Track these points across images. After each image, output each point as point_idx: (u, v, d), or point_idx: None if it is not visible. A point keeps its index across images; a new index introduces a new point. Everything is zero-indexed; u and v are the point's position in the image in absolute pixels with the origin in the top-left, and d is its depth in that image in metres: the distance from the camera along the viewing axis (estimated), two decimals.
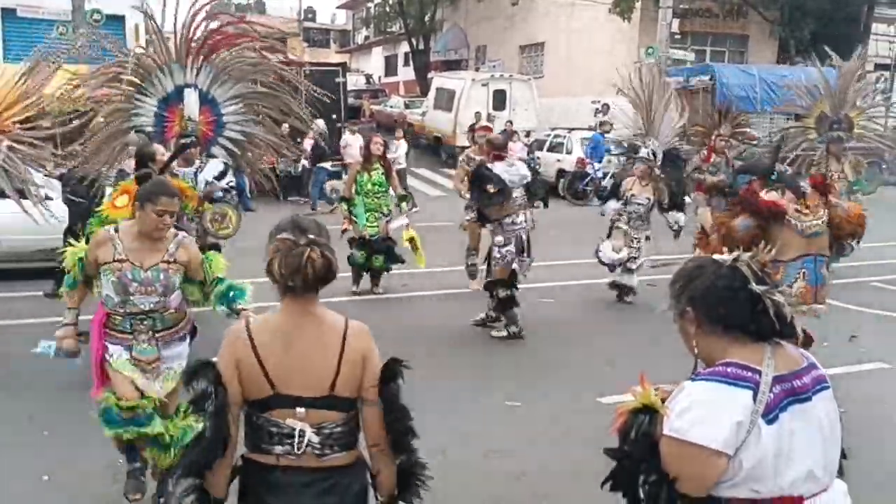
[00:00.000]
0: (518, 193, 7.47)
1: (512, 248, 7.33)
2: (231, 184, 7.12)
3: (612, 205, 9.00)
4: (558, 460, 4.91)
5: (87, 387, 5.29)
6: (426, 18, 35.00)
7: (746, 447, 1.93)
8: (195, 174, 6.81)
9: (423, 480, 2.54)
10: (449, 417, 5.36)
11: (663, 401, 2.08)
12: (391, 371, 2.45)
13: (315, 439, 2.35)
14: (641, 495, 2.09)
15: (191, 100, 6.75)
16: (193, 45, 6.79)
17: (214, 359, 2.43)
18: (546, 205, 8.39)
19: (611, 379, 5.98)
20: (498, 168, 7.32)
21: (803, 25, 23.54)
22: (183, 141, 6.55)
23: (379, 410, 2.43)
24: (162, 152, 6.20)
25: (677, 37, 23.64)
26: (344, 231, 8.87)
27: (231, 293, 3.93)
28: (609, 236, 9.01)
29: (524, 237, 7.46)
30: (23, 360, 6.49)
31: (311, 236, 2.34)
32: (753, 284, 2.02)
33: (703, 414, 1.94)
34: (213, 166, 6.84)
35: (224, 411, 2.34)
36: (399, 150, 18.77)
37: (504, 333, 7.50)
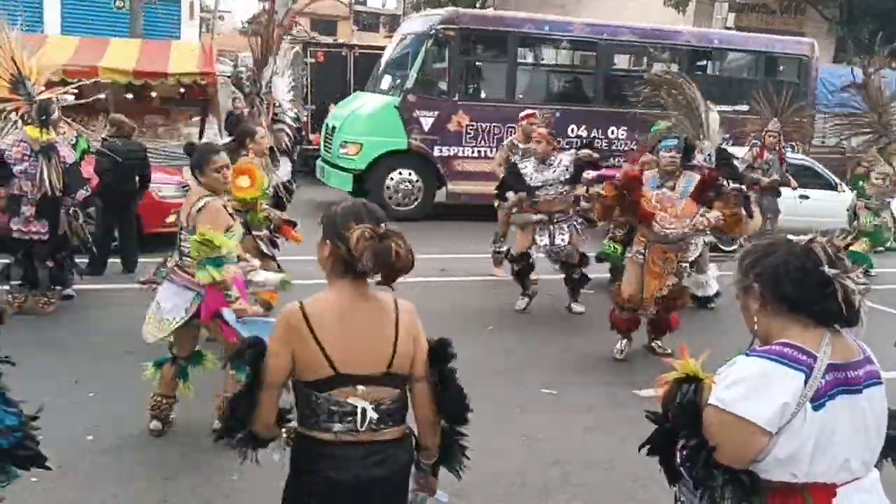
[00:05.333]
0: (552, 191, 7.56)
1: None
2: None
3: None
4: (592, 449, 4.93)
5: (133, 354, 5.43)
6: (476, 5, 34.82)
7: (789, 429, 1.93)
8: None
9: (465, 449, 2.69)
10: (484, 402, 5.33)
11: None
12: (444, 351, 2.55)
13: (374, 416, 2.42)
14: (678, 461, 2.09)
15: (281, 87, 6.94)
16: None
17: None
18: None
19: (647, 371, 5.95)
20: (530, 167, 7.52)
21: (862, 25, 22.89)
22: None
23: (428, 386, 2.53)
24: (262, 134, 6.19)
25: (732, 31, 23.23)
26: None
27: None
28: None
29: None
30: (75, 324, 6.70)
31: (389, 227, 2.41)
32: (826, 267, 1.99)
33: (752, 389, 1.94)
34: (286, 165, 6.85)
35: (254, 391, 2.44)
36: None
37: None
